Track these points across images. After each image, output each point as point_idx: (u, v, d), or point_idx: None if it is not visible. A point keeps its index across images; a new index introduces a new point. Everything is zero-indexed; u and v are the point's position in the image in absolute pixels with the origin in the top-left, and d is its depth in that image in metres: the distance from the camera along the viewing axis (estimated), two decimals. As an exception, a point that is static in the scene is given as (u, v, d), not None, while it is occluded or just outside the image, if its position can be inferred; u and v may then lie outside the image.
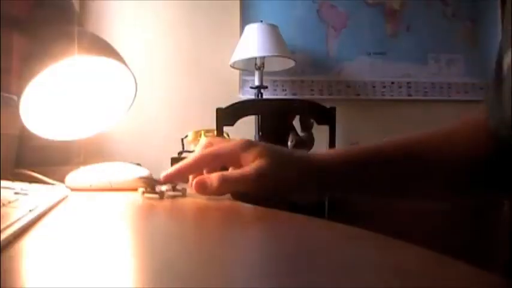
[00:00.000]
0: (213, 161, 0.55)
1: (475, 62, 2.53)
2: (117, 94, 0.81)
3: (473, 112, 0.58)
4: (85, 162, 0.79)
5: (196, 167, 0.56)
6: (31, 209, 0.40)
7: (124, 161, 0.82)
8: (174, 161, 1.80)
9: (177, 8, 2.41)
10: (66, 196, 0.61)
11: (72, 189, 0.70)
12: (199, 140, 1.98)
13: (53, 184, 0.73)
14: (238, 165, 0.53)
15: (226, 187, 0.51)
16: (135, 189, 0.66)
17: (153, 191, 0.58)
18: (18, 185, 0.56)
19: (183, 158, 1.89)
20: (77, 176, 0.74)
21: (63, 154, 0.85)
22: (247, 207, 0.48)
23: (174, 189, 0.60)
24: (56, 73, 0.66)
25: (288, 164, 0.53)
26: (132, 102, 0.80)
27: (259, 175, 0.50)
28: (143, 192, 0.60)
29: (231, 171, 0.53)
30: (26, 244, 0.30)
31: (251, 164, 0.51)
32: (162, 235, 0.37)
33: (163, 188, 0.58)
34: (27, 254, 0.28)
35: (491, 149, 0.52)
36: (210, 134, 1.98)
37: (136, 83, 0.76)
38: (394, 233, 0.35)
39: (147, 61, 2.32)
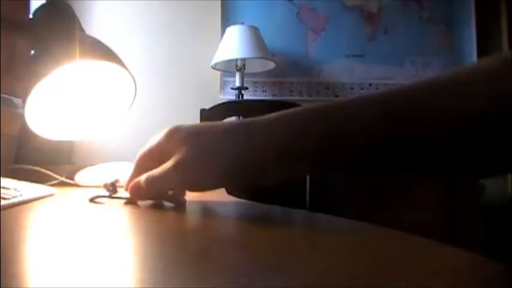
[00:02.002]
0: (150, 161, 0.49)
1: (450, 64, 2.59)
2: (115, 96, 0.83)
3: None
4: (78, 162, 0.81)
5: (140, 173, 0.49)
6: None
7: (105, 162, 0.84)
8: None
9: (159, 9, 2.42)
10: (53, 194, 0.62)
11: (80, 186, 0.75)
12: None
13: (60, 179, 0.76)
14: (168, 158, 0.46)
15: (154, 187, 0.46)
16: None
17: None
18: (13, 184, 0.57)
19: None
20: (86, 174, 0.78)
21: (63, 154, 0.86)
22: (243, 203, 0.49)
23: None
24: (57, 76, 0.68)
25: (213, 150, 0.44)
26: (131, 104, 0.82)
27: (177, 169, 0.44)
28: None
29: (155, 170, 0.47)
30: (26, 244, 0.31)
31: (172, 157, 0.45)
32: (158, 233, 0.38)
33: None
34: (27, 254, 0.29)
35: None
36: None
37: (135, 86, 0.78)
38: (377, 222, 0.37)
39: (128, 63, 2.31)
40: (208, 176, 0.44)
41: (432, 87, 0.41)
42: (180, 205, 0.48)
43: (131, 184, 0.48)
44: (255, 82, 2.46)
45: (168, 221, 0.41)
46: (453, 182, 1.99)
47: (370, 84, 2.56)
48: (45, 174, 0.76)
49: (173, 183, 0.46)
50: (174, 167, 0.44)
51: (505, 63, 0.39)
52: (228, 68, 2.27)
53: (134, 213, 0.45)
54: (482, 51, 2.54)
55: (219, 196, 0.54)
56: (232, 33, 2.17)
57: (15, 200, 0.47)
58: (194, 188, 0.47)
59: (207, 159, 0.44)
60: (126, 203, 0.49)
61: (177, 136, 0.46)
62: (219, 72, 2.38)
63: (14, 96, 0.85)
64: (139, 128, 2.28)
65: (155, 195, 0.48)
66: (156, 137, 0.49)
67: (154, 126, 2.23)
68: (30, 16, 0.76)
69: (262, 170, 0.43)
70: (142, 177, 0.47)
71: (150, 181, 0.46)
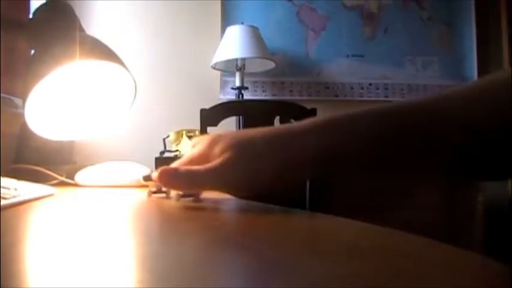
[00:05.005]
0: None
1: (449, 64, 2.59)
2: (115, 96, 0.83)
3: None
4: (78, 162, 0.81)
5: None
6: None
7: (105, 161, 0.84)
8: (157, 160, 1.80)
9: (159, 9, 2.42)
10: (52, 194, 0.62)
11: (80, 186, 0.75)
12: (180, 140, 1.99)
13: (60, 179, 0.76)
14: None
15: (192, 181, 0.47)
16: (137, 187, 0.69)
17: (160, 191, 0.57)
18: (13, 184, 0.57)
19: (166, 157, 1.89)
20: (86, 174, 0.78)
21: (63, 154, 0.86)
22: (245, 203, 0.49)
23: (159, 190, 0.58)
24: (57, 76, 0.68)
25: (260, 154, 0.47)
26: (131, 104, 0.82)
27: (217, 170, 0.46)
28: (150, 193, 0.58)
29: (199, 167, 0.48)
30: (26, 244, 0.31)
31: (217, 159, 0.47)
32: (158, 233, 0.38)
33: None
34: (27, 254, 0.29)
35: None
36: (192, 134, 1.99)
37: (136, 86, 0.79)
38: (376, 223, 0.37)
39: (128, 62, 2.31)
40: (245, 179, 0.46)
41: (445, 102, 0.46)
42: (198, 200, 0.51)
43: (166, 168, 0.48)
44: (255, 82, 2.46)
45: (167, 221, 0.41)
46: (453, 182, 1.99)
47: (370, 84, 2.56)
48: (45, 174, 0.76)
49: (211, 182, 0.47)
50: (216, 168, 0.46)
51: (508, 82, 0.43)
52: (228, 67, 2.27)
53: (133, 214, 0.46)
54: (482, 51, 2.54)
55: (219, 196, 0.54)
56: (232, 33, 2.17)
57: (15, 200, 0.47)
58: (229, 190, 0.49)
59: (245, 164, 0.46)
60: (194, 201, 0.51)
61: (220, 144, 0.48)
62: (219, 72, 2.38)
63: (14, 96, 0.85)
64: (139, 127, 2.28)
65: (186, 188, 0.50)
66: (195, 147, 0.52)
67: (154, 126, 2.22)
68: (30, 16, 0.76)
69: (297, 176, 0.49)
70: (181, 168, 0.49)
71: (189, 173, 0.47)
